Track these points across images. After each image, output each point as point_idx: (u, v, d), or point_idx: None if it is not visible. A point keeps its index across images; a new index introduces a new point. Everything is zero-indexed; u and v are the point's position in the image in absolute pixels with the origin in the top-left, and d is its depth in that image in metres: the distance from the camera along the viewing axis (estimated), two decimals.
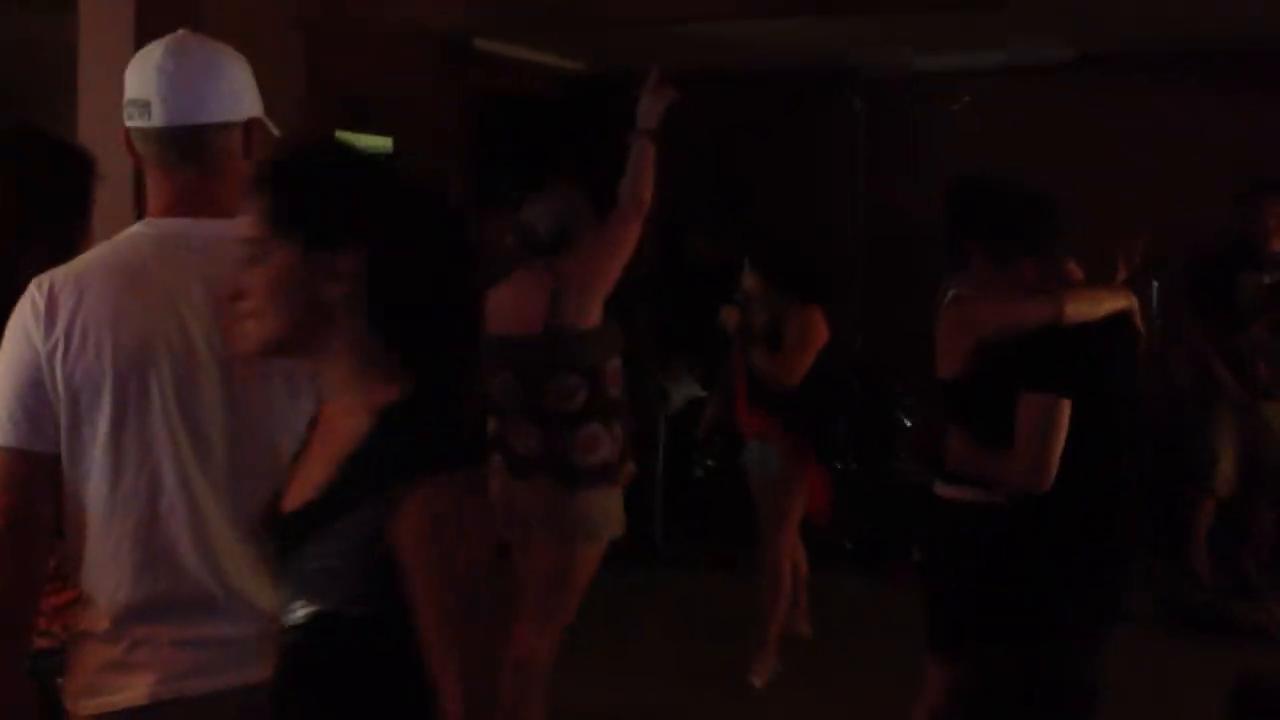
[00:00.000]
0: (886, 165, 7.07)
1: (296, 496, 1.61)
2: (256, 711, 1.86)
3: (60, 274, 1.92)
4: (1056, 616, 2.99)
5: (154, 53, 1.98)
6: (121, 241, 1.97)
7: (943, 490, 3.20)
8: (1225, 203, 5.65)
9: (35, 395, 1.86)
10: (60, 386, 1.86)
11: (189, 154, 1.96)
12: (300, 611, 1.56)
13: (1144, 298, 6.25)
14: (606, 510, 3.50)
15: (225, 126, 1.99)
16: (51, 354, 1.86)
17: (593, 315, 3.48)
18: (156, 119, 1.95)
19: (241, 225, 1.94)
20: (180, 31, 2.01)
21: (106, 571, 1.89)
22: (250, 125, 2.02)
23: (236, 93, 2.00)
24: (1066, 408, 2.88)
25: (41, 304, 1.87)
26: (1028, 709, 3.02)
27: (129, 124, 1.98)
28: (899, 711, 3.43)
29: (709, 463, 6.44)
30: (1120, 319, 3.06)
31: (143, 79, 1.96)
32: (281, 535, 1.62)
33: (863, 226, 7.11)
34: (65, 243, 2.21)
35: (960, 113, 7.05)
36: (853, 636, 5.19)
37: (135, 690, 1.86)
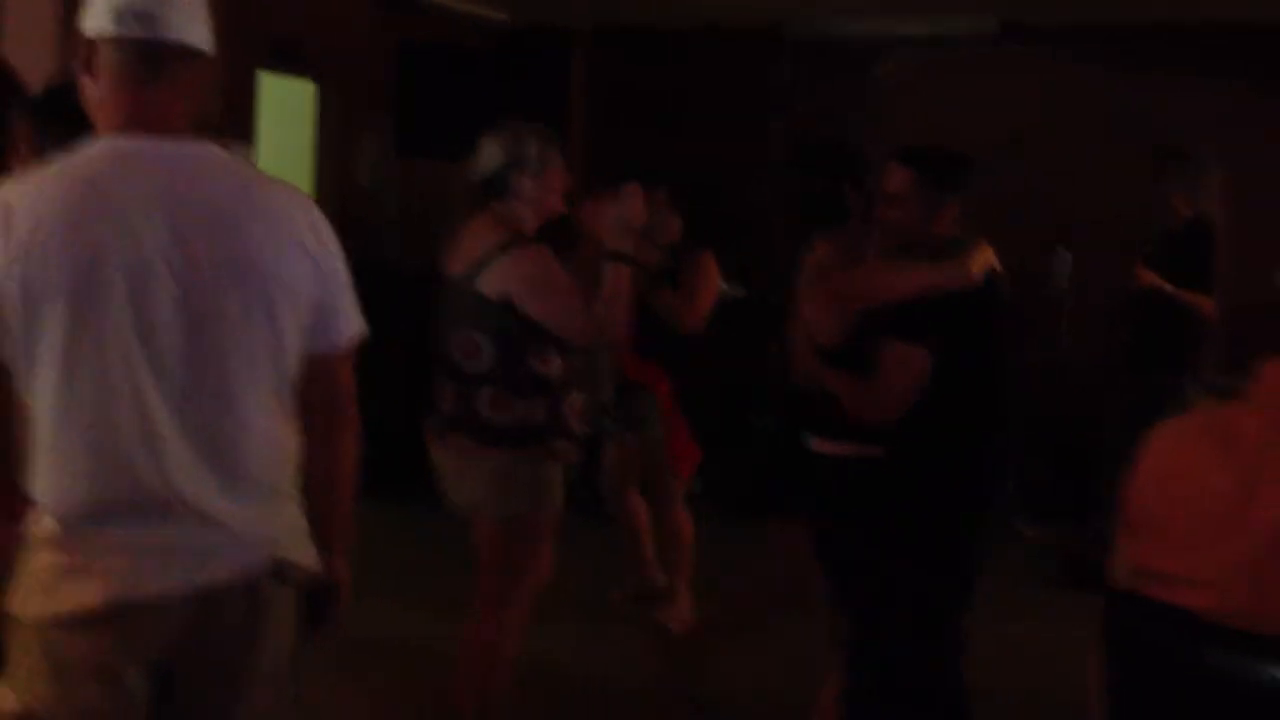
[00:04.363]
0: (809, 129, 7.14)
1: None
2: (204, 615, 1.93)
3: (13, 186, 1.92)
4: (937, 559, 3.12)
5: None
6: (80, 156, 1.96)
7: (820, 445, 3.30)
8: (1135, 174, 5.79)
9: None
10: (15, 295, 1.86)
11: (165, 72, 1.96)
12: None
13: (1056, 266, 6.50)
14: (535, 480, 3.31)
15: (201, 54, 2.01)
16: (7, 264, 1.86)
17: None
18: (158, 30, 1.94)
19: (196, 147, 1.98)
20: None
21: (58, 477, 1.91)
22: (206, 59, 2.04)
23: (208, 25, 2.03)
24: (925, 357, 3.02)
25: None
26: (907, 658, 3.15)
27: (108, 30, 1.95)
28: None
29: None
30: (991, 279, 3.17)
31: None
32: None
33: (780, 188, 7.19)
34: None
35: (884, 80, 7.15)
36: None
37: (86, 594, 1.88)
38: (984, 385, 3.14)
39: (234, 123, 5.68)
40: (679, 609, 4.78)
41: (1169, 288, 5.42)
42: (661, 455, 4.78)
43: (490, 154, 3.36)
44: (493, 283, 3.23)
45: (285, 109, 6.61)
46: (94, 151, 1.96)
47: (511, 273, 3.23)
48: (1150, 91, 6.62)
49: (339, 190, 6.76)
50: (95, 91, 1.99)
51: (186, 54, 1.98)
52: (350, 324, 2.13)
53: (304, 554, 2.08)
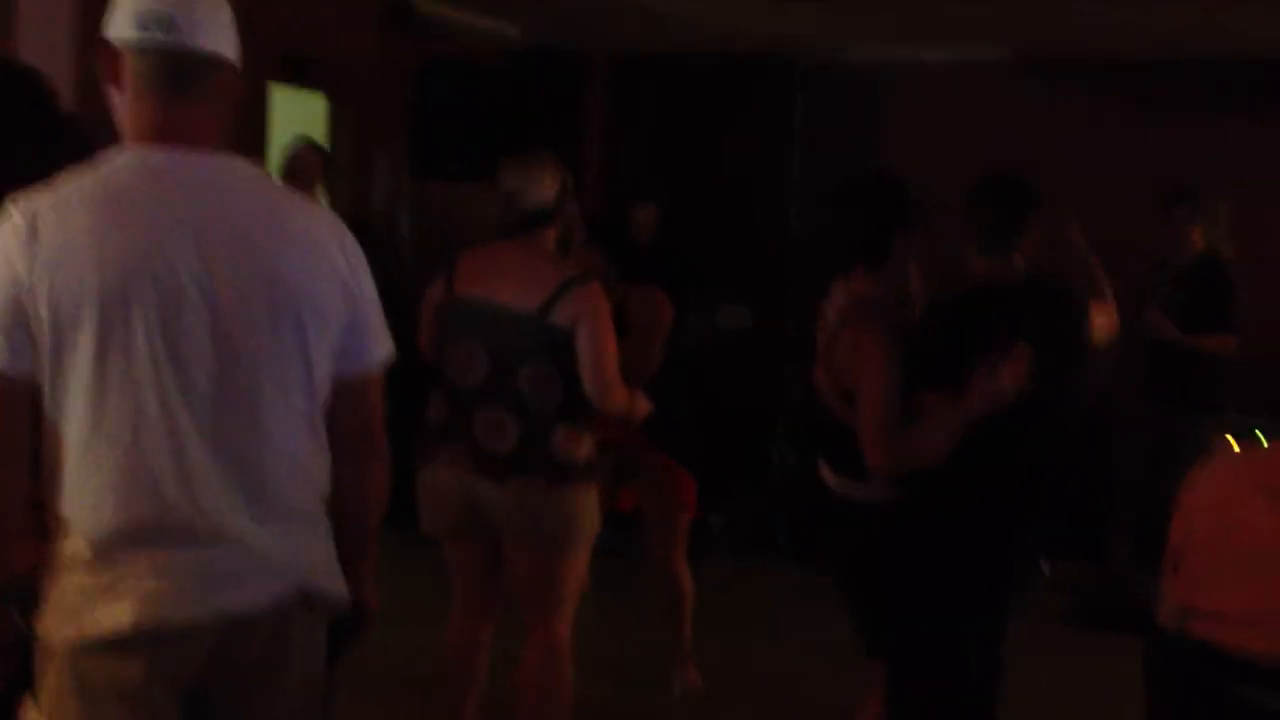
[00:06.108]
0: (824, 156, 7.14)
1: None
2: (233, 641, 1.90)
3: (41, 197, 1.89)
4: (962, 604, 3.07)
5: None
6: (105, 168, 1.93)
7: (838, 485, 3.25)
8: (1145, 209, 5.77)
9: (15, 318, 1.84)
10: (42, 311, 1.83)
11: (192, 83, 1.94)
12: None
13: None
14: (595, 511, 3.38)
15: (226, 63, 1.98)
16: (33, 276, 1.83)
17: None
18: (180, 37, 1.92)
19: (226, 161, 1.94)
20: None
21: (88, 498, 1.88)
22: (233, 69, 2.01)
23: (233, 33, 2.00)
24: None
25: (23, 226, 1.84)
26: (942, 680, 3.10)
27: (131, 37, 1.92)
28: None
29: None
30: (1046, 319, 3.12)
31: None
32: None
33: (800, 216, 7.17)
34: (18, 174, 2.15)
35: (898, 107, 7.14)
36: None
37: (117, 618, 1.85)
38: (1016, 423, 3.09)
39: (246, 137, 5.66)
40: (684, 669, 4.50)
41: (1177, 334, 5.38)
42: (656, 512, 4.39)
43: (545, 182, 3.33)
44: (566, 316, 3.22)
45: (297, 124, 6.59)
46: (119, 163, 1.93)
47: (584, 306, 3.23)
48: (1159, 125, 6.62)
49: (351, 209, 6.73)
50: (120, 101, 1.96)
51: (213, 63, 1.95)
52: (380, 346, 2.10)
53: (333, 583, 2.05)
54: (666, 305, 4.04)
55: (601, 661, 4.32)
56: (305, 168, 5.04)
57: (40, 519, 1.92)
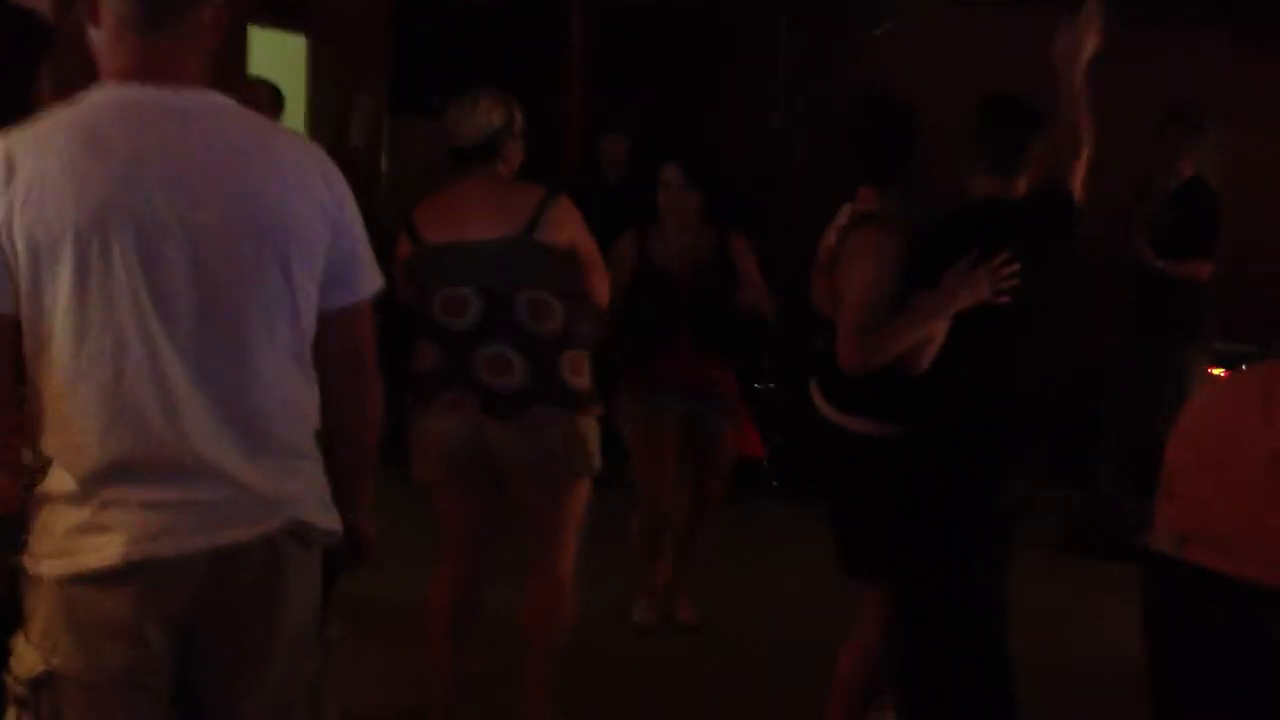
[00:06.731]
0: (810, 90, 7.08)
1: None
2: (224, 575, 1.90)
3: (18, 134, 1.87)
4: (958, 536, 3.09)
5: None
6: (83, 104, 1.91)
7: (836, 416, 3.25)
8: (1134, 136, 5.74)
9: None
10: (19, 245, 1.82)
11: (169, 18, 1.91)
12: None
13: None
14: (596, 439, 3.36)
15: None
16: (9, 213, 1.81)
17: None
18: None
19: (206, 97, 1.92)
20: None
21: (72, 434, 1.86)
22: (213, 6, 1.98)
23: None
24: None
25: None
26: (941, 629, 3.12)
27: None
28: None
29: None
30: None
31: None
32: None
33: (786, 148, 7.13)
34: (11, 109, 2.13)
35: (882, 39, 7.08)
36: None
37: (105, 551, 1.85)
38: (1009, 344, 3.08)
39: (225, 80, 5.57)
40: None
41: (1159, 263, 5.40)
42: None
43: (489, 117, 3.29)
44: (552, 233, 3.19)
45: (277, 65, 6.51)
46: (98, 99, 1.91)
47: (565, 219, 3.22)
48: (1149, 52, 6.56)
49: (332, 148, 6.66)
50: (99, 39, 1.93)
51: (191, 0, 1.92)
52: (368, 277, 2.08)
53: (325, 516, 2.04)
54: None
55: (601, 603, 4.34)
56: (257, 106, 4.96)
57: (10, 453, 1.90)
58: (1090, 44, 3.27)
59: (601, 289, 3.33)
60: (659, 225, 4.30)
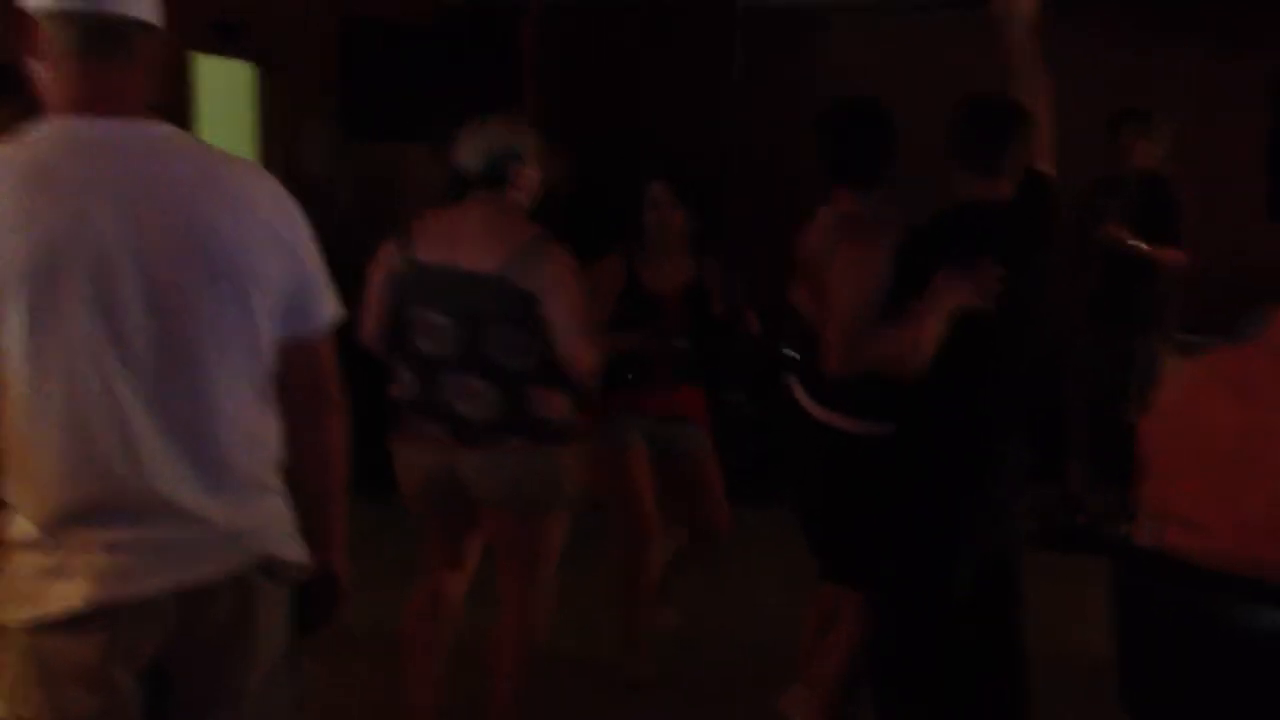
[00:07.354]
0: (763, 96, 7.10)
1: None
2: (192, 615, 1.87)
3: None
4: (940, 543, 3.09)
5: None
6: (29, 139, 1.88)
7: (823, 415, 3.25)
8: (1091, 131, 5.78)
9: None
10: None
11: (113, 48, 1.89)
12: None
13: None
14: (572, 472, 3.34)
15: (148, 27, 1.93)
16: None
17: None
18: (102, 3, 1.87)
19: (154, 127, 1.89)
20: None
21: (33, 478, 1.84)
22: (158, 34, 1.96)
23: None
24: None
25: None
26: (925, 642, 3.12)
27: (49, 4, 1.87)
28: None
29: None
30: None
31: None
32: None
33: (735, 159, 7.14)
34: None
35: (835, 46, 7.11)
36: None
37: (70, 597, 1.82)
38: (994, 342, 3.09)
39: (173, 110, 5.53)
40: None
41: (1143, 246, 5.44)
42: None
43: (493, 142, 3.27)
44: (531, 278, 3.15)
45: (224, 94, 6.46)
46: (45, 134, 1.88)
47: (547, 269, 3.16)
48: (1108, 53, 6.63)
49: (284, 176, 6.62)
50: (43, 73, 1.90)
51: (136, 28, 1.90)
52: (326, 306, 2.06)
53: (291, 549, 2.02)
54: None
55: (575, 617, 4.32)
56: None
57: None
58: (1025, 2, 3.25)
59: (583, 358, 3.22)
60: (643, 246, 4.14)
